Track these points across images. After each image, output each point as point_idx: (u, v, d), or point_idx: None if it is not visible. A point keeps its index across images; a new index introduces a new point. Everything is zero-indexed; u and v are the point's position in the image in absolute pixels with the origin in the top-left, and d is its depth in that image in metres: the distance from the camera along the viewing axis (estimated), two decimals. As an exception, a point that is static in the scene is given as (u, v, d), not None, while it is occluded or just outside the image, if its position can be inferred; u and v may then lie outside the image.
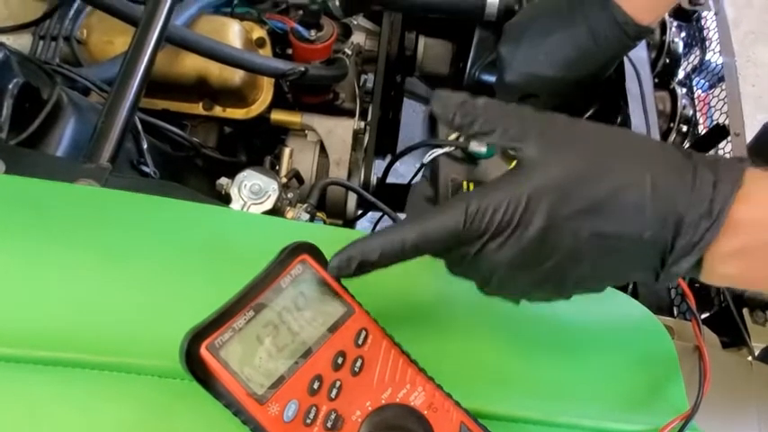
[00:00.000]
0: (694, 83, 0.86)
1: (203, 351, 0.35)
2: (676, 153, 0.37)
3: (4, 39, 0.80)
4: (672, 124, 0.73)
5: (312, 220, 0.64)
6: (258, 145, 0.92)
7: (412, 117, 1.25)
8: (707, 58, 0.85)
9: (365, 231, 0.44)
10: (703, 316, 0.67)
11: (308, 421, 0.36)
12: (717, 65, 0.81)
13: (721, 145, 0.75)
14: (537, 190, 0.36)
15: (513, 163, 0.39)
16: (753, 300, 0.63)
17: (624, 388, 0.46)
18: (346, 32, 0.93)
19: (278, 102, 0.89)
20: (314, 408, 0.36)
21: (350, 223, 0.89)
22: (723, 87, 0.77)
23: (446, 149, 0.65)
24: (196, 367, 0.34)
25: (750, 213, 0.35)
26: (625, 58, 0.69)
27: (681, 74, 0.86)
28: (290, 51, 0.87)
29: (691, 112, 0.75)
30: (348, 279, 0.39)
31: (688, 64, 0.87)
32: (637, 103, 0.67)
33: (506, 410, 0.42)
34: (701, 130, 0.82)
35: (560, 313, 0.48)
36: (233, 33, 0.83)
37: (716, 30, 0.84)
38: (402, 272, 0.39)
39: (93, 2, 0.80)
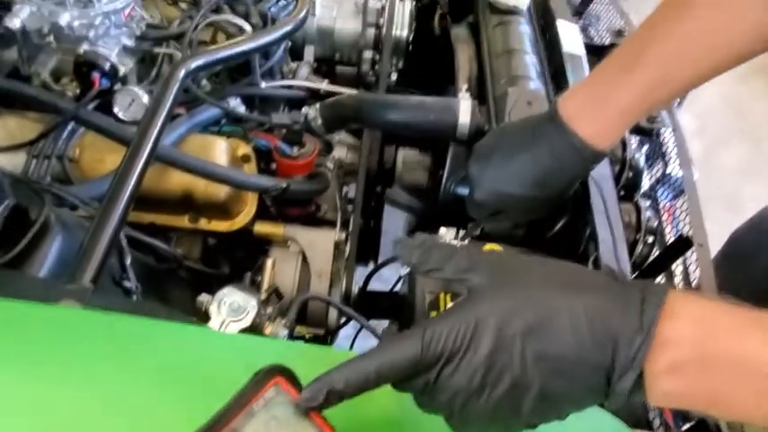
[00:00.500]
0: (659, 194, 0.91)
1: (174, 480, 0.35)
2: (608, 279, 0.41)
3: (0, 157, 0.83)
4: (638, 236, 0.76)
5: (291, 334, 0.64)
6: (241, 256, 0.94)
7: (394, 223, 1.28)
8: (669, 170, 0.90)
9: (343, 346, 0.46)
10: (684, 428, 0.67)
11: None
12: (677, 178, 0.86)
13: (688, 254, 0.78)
14: (484, 315, 0.39)
15: None
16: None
17: None
18: (328, 148, 0.98)
19: (262, 213, 0.91)
20: None
21: (332, 333, 0.90)
22: (684, 199, 0.81)
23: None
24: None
25: (677, 331, 0.38)
26: (589, 176, 0.73)
27: (646, 185, 0.90)
28: (274, 166, 0.91)
29: (656, 224, 0.78)
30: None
31: (652, 176, 0.92)
32: (602, 216, 0.71)
33: None
34: (670, 238, 0.85)
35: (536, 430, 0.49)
36: (220, 150, 0.87)
37: (674, 145, 0.89)
38: (377, 394, 0.40)
39: (86, 123, 0.84)
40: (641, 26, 0.65)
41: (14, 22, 0.82)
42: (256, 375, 0.40)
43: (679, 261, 0.79)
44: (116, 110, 0.86)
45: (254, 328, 0.58)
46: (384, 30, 1.07)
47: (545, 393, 0.39)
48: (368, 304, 0.90)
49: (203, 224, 0.89)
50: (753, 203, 1.19)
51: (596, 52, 0.97)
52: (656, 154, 0.92)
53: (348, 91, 1.02)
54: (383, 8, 1.09)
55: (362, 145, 0.98)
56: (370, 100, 0.90)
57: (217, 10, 0.97)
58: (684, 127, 0.98)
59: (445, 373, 0.39)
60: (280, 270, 0.87)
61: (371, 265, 1.05)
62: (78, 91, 0.87)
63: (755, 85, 2.48)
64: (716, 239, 0.94)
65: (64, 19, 0.84)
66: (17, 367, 0.44)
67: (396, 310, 0.91)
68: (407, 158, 0.98)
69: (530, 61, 0.91)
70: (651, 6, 0.64)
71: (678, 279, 0.80)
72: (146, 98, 0.86)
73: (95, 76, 0.85)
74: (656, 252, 0.80)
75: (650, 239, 0.77)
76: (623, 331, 0.38)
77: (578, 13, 1.18)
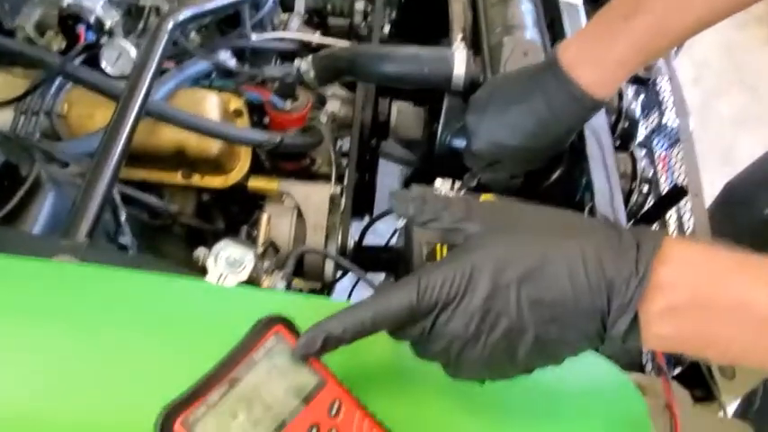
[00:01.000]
0: (655, 143, 0.90)
1: (177, 427, 0.35)
2: (603, 226, 0.41)
3: (-13, 114, 0.82)
4: (633, 185, 0.76)
5: (289, 287, 0.64)
6: (236, 211, 0.94)
7: (389, 178, 1.28)
8: (664, 120, 0.89)
9: (341, 298, 0.46)
10: (675, 371, 0.68)
11: (283, 495, 0.36)
12: (673, 127, 0.86)
13: (682, 204, 0.78)
14: (480, 261, 0.39)
15: None
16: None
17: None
18: (321, 101, 0.97)
19: (256, 168, 0.91)
20: (288, 481, 0.37)
21: (329, 286, 0.90)
22: (680, 148, 0.81)
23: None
24: (170, 444, 0.35)
25: (671, 275, 0.38)
26: (585, 126, 0.72)
27: (642, 134, 0.90)
28: (266, 120, 0.90)
29: (651, 173, 0.78)
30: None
31: (648, 125, 0.92)
32: (598, 166, 0.71)
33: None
34: (665, 187, 0.85)
35: (532, 375, 0.49)
36: (211, 105, 0.86)
37: (671, 94, 0.88)
38: (375, 341, 0.41)
39: (74, 78, 0.82)
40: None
41: (-5, -26, 0.79)
42: (256, 325, 0.40)
43: (673, 210, 0.79)
44: (103, 64, 0.84)
45: (252, 282, 0.58)
46: (376, -21, 1.05)
47: (540, 338, 0.39)
48: (364, 258, 0.90)
49: (196, 180, 0.88)
50: (748, 153, 1.18)
51: (593, 1, 0.95)
52: (653, 103, 0.91)
53: (341, 43, 1.00)
54: (375, -44, 1.06)
55: (356, 98, 0.97)
56: (364, 52, 0.88)
57: (204, -41, 0.94)
58: (681, 76, 0.97)
59: (441, 320, 0.39)
60: (275, 224, 0.87)
61: (367, 219, 1.05)
62: (64, 45, 0.85)
63: (754, 33, 2.44)
64: (711, 189, 0.94)
65: (46, -31, 0.81)
66: (15, 321, 0.45)
67: (392, 263, 0.91)
68: (402, 111, 0.97)
69: (526, 10, 0.90)
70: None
71: (672, 228, 0.80)
72: (133, 52, 0.84)
73: (80, 29, 0.83)
74: (650, 201, 0.80)
75: (645, 189, 0.77)
76: (618, 276, 0.38)
77: (575, -40, 1.16)
